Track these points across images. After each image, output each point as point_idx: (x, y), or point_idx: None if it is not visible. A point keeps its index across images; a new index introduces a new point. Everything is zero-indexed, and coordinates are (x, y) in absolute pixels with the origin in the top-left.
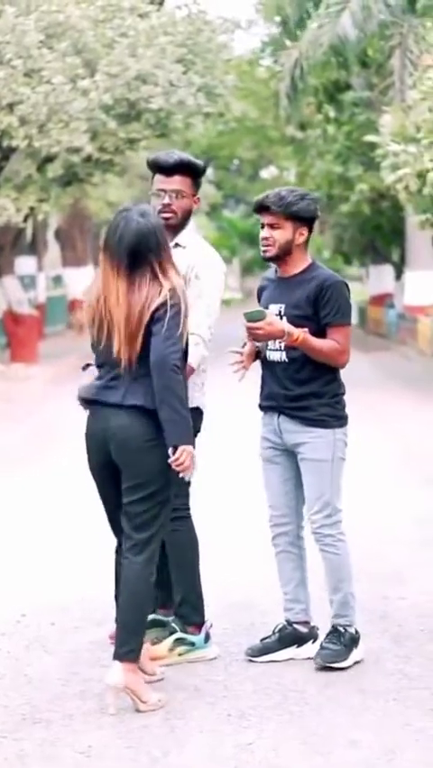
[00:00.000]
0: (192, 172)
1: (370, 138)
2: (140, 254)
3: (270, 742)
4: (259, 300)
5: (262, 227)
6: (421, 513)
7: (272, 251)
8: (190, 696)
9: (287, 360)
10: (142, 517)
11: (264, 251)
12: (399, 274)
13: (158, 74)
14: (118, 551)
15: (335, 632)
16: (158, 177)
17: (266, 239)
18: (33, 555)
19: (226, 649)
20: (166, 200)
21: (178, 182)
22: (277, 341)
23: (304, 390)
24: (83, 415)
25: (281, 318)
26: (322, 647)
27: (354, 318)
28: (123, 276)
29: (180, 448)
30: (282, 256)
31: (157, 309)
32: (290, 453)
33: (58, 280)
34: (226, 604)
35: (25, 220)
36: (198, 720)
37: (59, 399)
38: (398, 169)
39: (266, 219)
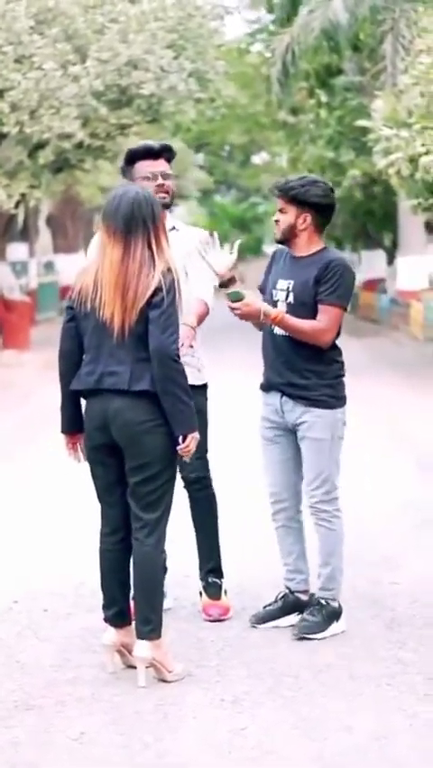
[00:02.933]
0: (171, 156)
1: (362, 123)
2: (135, 220)
3: (263, 727)
4: (268, 268)
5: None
6: (414, 497)
7: (277, 234)
8: (183, 681)
9: (288, 334)
10: (150, 497)
11: (275, 234)
12: (391, 259)
13: (149, 59)
14: (104, 538)
15: (317, 604)
16: (144, 162)
17: (276, 222)
18: (26, 541)
19: (219, 634)
20: (160, 181)
21: (164, 165)
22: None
23: (306, 366)
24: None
25: (288, 294)
26: (302, 619)
27: None
28: (118, 241)
29: (189, 436)
30: (289, 239)
31: (154, 293)
32: (291, 432)
33: (49, 267)
34: None
35: (17, 206)
36: (192, 706)
37: (51, 385)
38: (390, 153)
39: (278, 203)
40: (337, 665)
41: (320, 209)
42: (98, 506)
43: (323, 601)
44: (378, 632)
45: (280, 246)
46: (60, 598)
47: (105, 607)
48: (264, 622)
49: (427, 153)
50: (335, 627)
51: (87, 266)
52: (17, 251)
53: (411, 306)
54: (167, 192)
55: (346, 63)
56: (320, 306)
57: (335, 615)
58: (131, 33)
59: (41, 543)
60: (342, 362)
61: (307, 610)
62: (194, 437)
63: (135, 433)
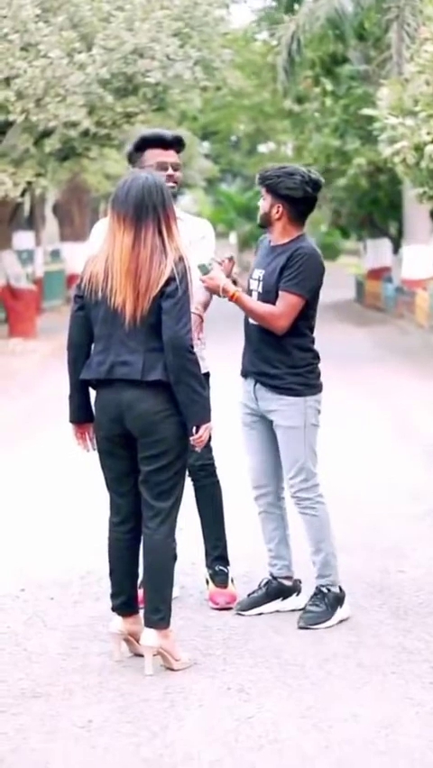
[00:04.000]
0: (182, 148)
1: (367, 111)
2: (145, 206)
3: (269, 716)
4: (255, 253)
5: None
6: (419, 486)
7: (258, 220)
8: (190, 670)
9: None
10: (163, 486)
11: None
12: (396, 248)
13: (155, 48)
14: (114, 528)
15: (318, 593)
16: (155, 151)
17: (258, 208)
18: (33, 530)
19: (226, 622)
20: (170, 171)
21: (174, 155)
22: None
23: (277, 356)
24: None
25: (259, 284)
26: (306, 610)
27: (352, 292)
28: (128, 227)
29: (202, 426)
30: (266, 226)
31: (167, 283)
32: (266, 420)
33: (56, 255)
34: None
35: (23, 195)
36: (198, 694)
37: (57, 373)
38: (395, 142)
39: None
40: (344, 654)
41: (293, 201)
42: (105, 494)
43: (324, 589)
44: (384, 620)
45: (266, 234)
46: (67, 587)
47: (114, 595)
48: (249, 609)
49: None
50: (340, 614)
51: (95, 254)
52: (23, 239)
53: (417, 295)
54: (175, 182)
55: (352, 52)
56: (280, 292)
57: (338, 601)
58: (137, 21)
59: (47, 531)
60: (314, 351)
61: (310, 600)
62: (208, 427)
63: (151, 422)
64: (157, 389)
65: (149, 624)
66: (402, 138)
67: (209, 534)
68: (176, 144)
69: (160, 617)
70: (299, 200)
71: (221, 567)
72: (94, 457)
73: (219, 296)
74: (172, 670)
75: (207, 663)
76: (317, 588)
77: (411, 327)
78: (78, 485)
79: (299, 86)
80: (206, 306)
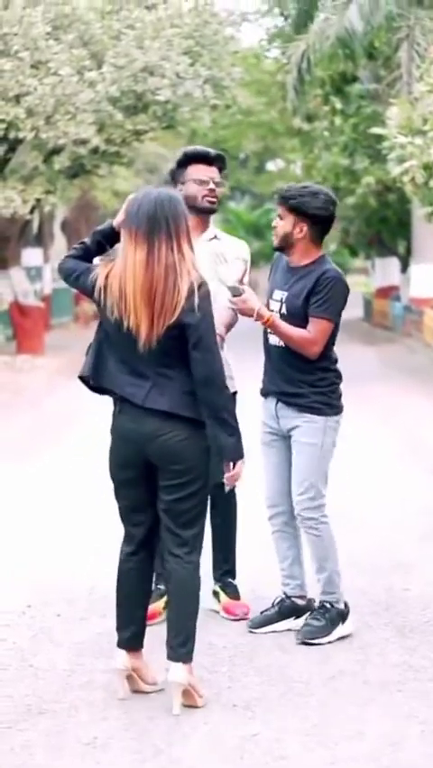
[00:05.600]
0: (223, 166)
1: (376, 130)
2: (157, 220)
3: (274, 733)
4: (270, 274)
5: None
6: (427, 504)
7: (276, 241)
8: None
9: (283, 344)
10: (189, 514)
11: (273, 239)
12: (405, 266)
13: (165, 66)
14: (126, 558)
15: (321, 608)
16: (198, 166)
17: (274, 229)
18: (39, 546)
19: (231, 640)
20: (211, 186)
21: (217, 172)
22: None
23: (300, 377)
24: (90, 406)
25: (282, 306)
26: (306, 624)
27: (360, 311)
28: (140, 242)
29: (238, 463)
30: (285, 247)
31: (188, 314)
32: (286, 439)
33: None
34: None
35: (32, 212)
36: (203, 711)
37: (65, 390)
38: (404, 161)
39: (278, 210)
40: (349, 671)
41: (318, 221)
42: (111, 511)
43: (327, 604)
44: (390, 638)
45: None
46: (73, 603)
47: (120, 628)
48: (261, 627)
49: None
50: (340, 630)
51: (108, 264)
52: (32, 256)
53: (425, 314)
54: (215, 198)
55: (361, 71)
56: (311, 318)
57: (340, 617)
58: (147, 40)
59: (54, 547)
60: (336, 371)
61: (310, 615)
62: (242, 463)
63: (175, 452)
64: (173, 419)
65: (176, 658)
66: (411, 157)
67: (222, 548)
68: (219, 161)
69: (187, 650)
70: (323, 220)
71: (230, 580)
72: (101, 474)
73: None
74: (195, 707)
75: (212, 681)
76: (320, 602)
77: (419, 346)
78: (85, 501)
79: (308, 104)
80: (229, 327)
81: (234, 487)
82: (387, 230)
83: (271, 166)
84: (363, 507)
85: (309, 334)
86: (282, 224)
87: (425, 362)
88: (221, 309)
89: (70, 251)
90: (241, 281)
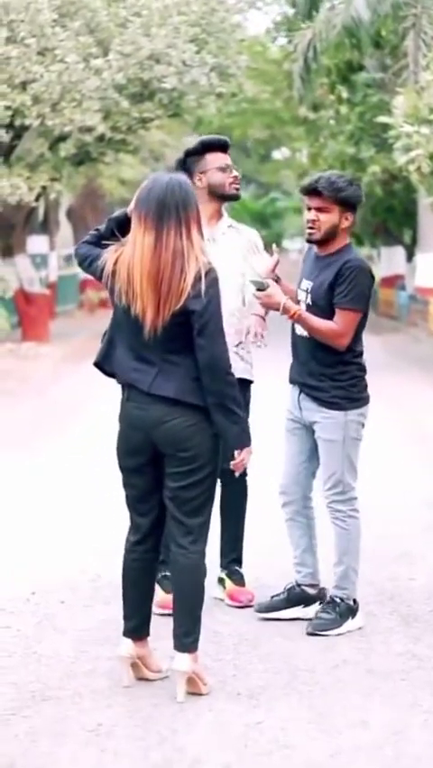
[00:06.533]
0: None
1: (382, 119)
2: (167, 205)
3: (279, 721)
4: (303, 262)
5: (309, 210)
6: (432, 494)
7: (318, 235)
8: None
9: (309, 335)
10: (194, 502)
11: (310, 234)
12: (410, 256)
13: (171, 53)
14: (132, 548)
15: (331, 602)
16: (217, 154)
17: (313, 222)
18: (44, 533)
19: (236, 628)
20: (235, 173)
21: (229, 158)
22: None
23: (322, 370)
24: (95, 394)
25: (307, 296)
26: (316, 616)
27: None
28: (150, 227)
29: (244, 450)
30: (326, 239)
31: (193, 300)
32: (309, 428)
33: (69, 259)
34: None
35: (37, 199)
36: (208, 699)
37: (70, 378)
38: (410, 150)
39: (314, 203)
40: (353, 660)
41: (356, 209)
42: (116, 498)
43: (337, 599)
44: (394, 627)
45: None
46: (77, 590)
47: (127, 618)
48: (268, 612)
49: None
50: (349, 624)
51: (117, 249)
52: (37, 243)
53: (430, 303)
54: (238, 184)
55: (368, 60)
56: (337, 310)
57: (349, 612)
58: (153, 27)
59: (58, 535)
60: (359, 363)
61: (321, 607)
62: (248, 451)
63: (182, 438)
64: (180, 405)
65: (181, 648)
66: (417, 146)
67: (230, 536)
68: (229, 148)
69: (192, 639)
70: (357, 207)
71: (237, 567)
72: (106, 461)
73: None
74: (199, 694)
75: (217, 669)
76: (330, 596)
77: (424, 335)
78: (90, 489)
79: (314, 93)
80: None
81: (244, 474)
82: (393, 219)
83: (276, 154)
84: (367, 497)
85: (337, 326)
86: (327, 216)
87: (430, 352)
88: (249, 303)
89: (86, 237)
90: (273, 271)
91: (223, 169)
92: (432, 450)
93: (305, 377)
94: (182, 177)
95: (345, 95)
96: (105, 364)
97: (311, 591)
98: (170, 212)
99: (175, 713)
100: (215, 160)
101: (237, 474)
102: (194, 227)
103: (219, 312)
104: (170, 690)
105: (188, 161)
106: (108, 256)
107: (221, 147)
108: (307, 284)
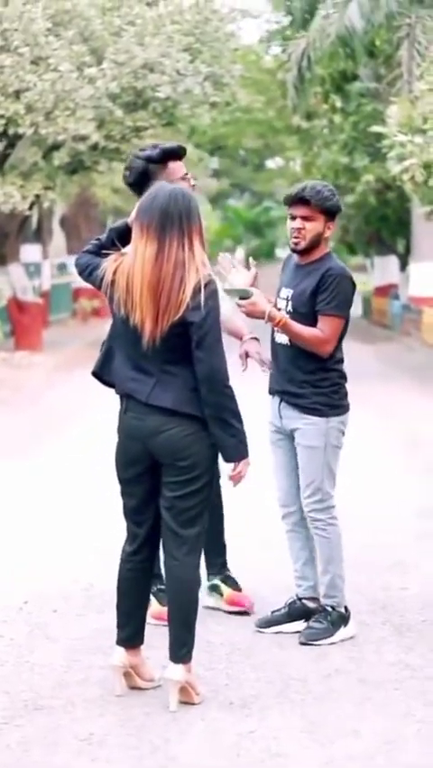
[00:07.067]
0: None
1: (376, 128)
2: (170, 215)
3: (271, 731)
4: (281, 274)
5: (293, 219)
6: (424, 503)
7: (303, 244)
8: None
9: (289, 343)
10: (190, 512)
11: (296, 243)
12: (403, 265)
13: (165, 63)
14: (128, 558)
15: (323, 611)
16: (177, 163)
17: (299, 231)
18: (36, 542)
19: (228, 638)
20: (193, 182)
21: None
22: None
23: (303, 377)
24: (89, 402)
25: (288, 303)
26: (308, 626)
27: (358, 309)
28: (152, 237)
29: (242, 462)
30: (310, 248)
31: (192, 311)
32: (291, 438)
33: (63, 268)
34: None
35: (31, 208)
36: (200, 708)
37: (63, 387)
38: (404, 159)
39: (300, 212)
40: (346, 670)
41: (335, 217)
42: (109, 507)
43: (328, 608)
44: (387, 637)
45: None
46: (70, 599)
47: (120, 626)
48: (269, 626)
49: None
50: (342, 633)
51: (117, 258)
52: (30, 252)
53: (424, 312)
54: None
55: (362, 69)
56: (320, 317)
57: (341, 620)
58: (147, 36)
59: (51, 543)
60: (340, 370)
61: (313, 617)
62: (246, 463)
63: (180, 448)
64: (177, 415)
65: (175, 659)
66: (411, 155)
67: (216, 542)
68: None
69: (186, 650)
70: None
71: (229, 573)
72: (99, 470)
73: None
74: (191, 704)
75: (209, 678)
76: (322, 606)
77: (418, 345)
78: (83, 498)
79: (308, 102)
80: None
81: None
82: (386, 228)
83: (270, 164)
84: (360, 506)
85: (322, 333)
86: (313, 225)
87: (423, 361)
88: (230, 313)
89: (86, 247)
90: (252, 285)
91: (185, 178)
92: (425, 459)
93: (285, 384)
94: (185, 187)
95: (338, 104)
96: (103, 374)
97: (312, 605)
98: (174, 222)
99: (168, 722)
100: (177, 168)
101: (234, 486)
102: (196, 238)
103: (218, 324)
104: (162, 699)
105: (151, 169)
106: (108, 265)
107: (180, 155)
108: (287, 292)
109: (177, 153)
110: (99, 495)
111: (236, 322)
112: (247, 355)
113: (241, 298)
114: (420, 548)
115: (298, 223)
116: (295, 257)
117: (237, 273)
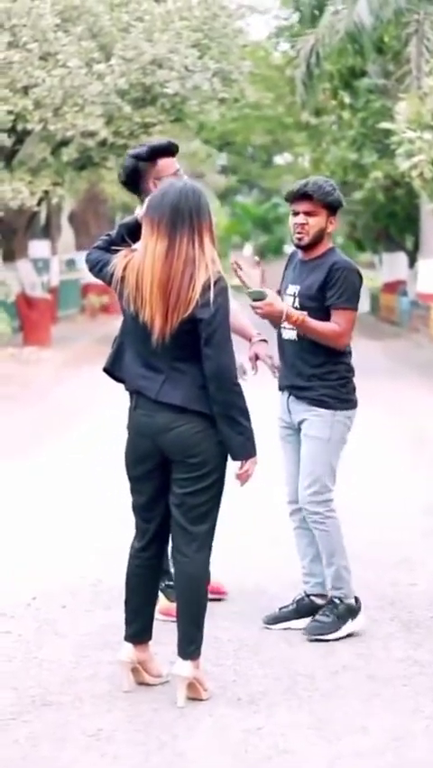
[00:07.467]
0: None
1: (385, 125)
2: (181, 212)
3: (279, 727)
4: (284, 271)
5: (296, 214)
6: (431, 500)
7: (307, 239)
8: None
9: (297, 338)
10: (201, 509)
11: (299, 239)
12: (412, 261)
13: (173, 59)
14: (136, 554)
15: (330, 603)
16: (168, 160)
17: (302, 226)
18: (45, 538)
19: (236, 634)
20: (186, 179)
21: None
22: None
23: (310, 371)
24: (96, 399)
25: (294, 300)
26: (314, 619)
27: (367, 305)
28: (162, 234)
29: (249, 461)
30: (313, 243)
31: (202, 308)
32: (298, 433)
33: (71, 264)
34: (237, 589)
35: (39, 203)
36: (208, 704)
37: (71, 383)
38: (412, 156)
39: (303, 207)
40: (354, 666)
41: (337, 213)
42: (116, 502)
43: (336, 600)
44: (395, 633)
45: (295, 249)
46: (78, 595)
47: (128, 622)
48: (277, 623)
49: None
50: (350, 626)
51: (127, 254)
52: (39, 248)
53: (432, 309)
54: None
55: (370, 65)
56: (333, 311)
57: (349, 613)
58: (156, 32)
59: (58, 539)
60: (347, 363)
61: (320, 611)
62: (254, 461)
63: (190, 445)
64: (186, 412)
65: (184, 655)
66: (420, 152)
67: None
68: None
69: (195, 647)
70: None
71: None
72: (106, 467)
73: (277, 321)
74: (200, 700)
75: (217, 674)
76: (329, 598)
77: (426, 341)
78: (91, 493)
79: (317, 98)
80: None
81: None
82: (395, 224)
83: (279, 160)
84: (367, 502)
85: (338, 327)
86: (316, 220)
87: (431, 357)
88: (236, 312)
89: (97, 243)
90: (262, 283)
91: (176, 175)
92: (432, 456)
93: (293, 379)
94: (196, 183)
95: (347, 100)
96: (115, 370)
97: (320, 602)
98: (184, 219)
99: (175, 718)
100: (168, 165)
101: (242, 485)
102: (207, 235)
103: (227, 321)
104: (170, 695)
105: (140, 167)
106: (118, 261)
107: (172, 152)
108: (294, 288)
109: (166, 150)
110: (107, 491)
111: (242, 320)
112: (257, 357)
113: (255, 300)
114: (428, 545)
115: (301, 218)
116: (299, 253)
117: (248, 272)
